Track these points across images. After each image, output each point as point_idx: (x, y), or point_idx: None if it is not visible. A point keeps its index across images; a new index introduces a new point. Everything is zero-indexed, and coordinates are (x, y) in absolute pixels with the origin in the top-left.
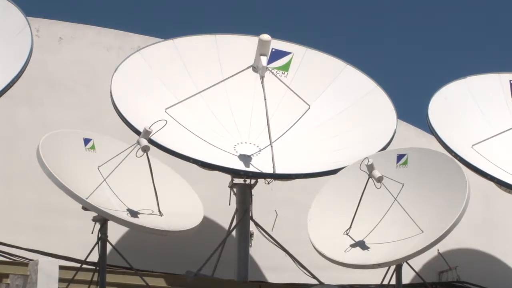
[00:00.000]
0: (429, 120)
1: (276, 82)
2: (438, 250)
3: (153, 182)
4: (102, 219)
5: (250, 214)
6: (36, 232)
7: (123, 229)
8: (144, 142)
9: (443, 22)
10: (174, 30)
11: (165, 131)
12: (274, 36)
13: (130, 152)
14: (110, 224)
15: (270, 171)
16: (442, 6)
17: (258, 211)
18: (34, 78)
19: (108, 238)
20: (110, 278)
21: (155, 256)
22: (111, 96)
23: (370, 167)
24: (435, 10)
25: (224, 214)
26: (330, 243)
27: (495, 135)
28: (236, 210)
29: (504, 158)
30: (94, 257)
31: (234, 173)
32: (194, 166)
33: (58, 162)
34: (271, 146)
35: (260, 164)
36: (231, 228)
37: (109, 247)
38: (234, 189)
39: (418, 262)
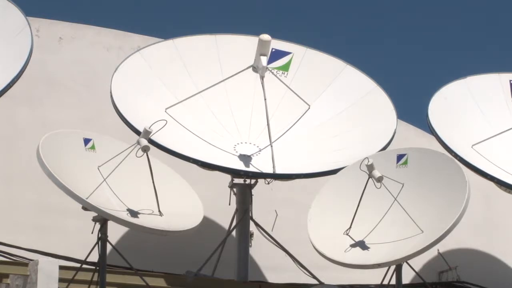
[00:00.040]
0: (429, 120)
1: (276, 82)
2: (438, 250)
3: (153, 182)
4: (102, 219)
5: (250, 214)
6: (36, 232)
7: (123, 229)
8: (144, 142)
9: (443, 22)
10: (174, 30)
11: (165, 131)
12: (274, 36)
13: (130, 152)
14: (110, 224)
15: (270, 171)
16: (442, 6)
17: (258, 211)
18: (34, 78)
19: (108, 238)
20: (110, 278)
21: (155, 256)
22: (111, 96)
23: (370, 167)
24: (435, 10)
25: (224, 214)
26: (330, 243)
27: (495, 135)
28: (236, 210)
29: (504, 158)
30: (94, 257)
31: (234, 173)
32: (194, 166)
33: (58, 162)
34: (271, 146)
35: (260, 164)
36: (231, 228)
37: (109, 247)
38: (234, 189)
39: (418, 262)
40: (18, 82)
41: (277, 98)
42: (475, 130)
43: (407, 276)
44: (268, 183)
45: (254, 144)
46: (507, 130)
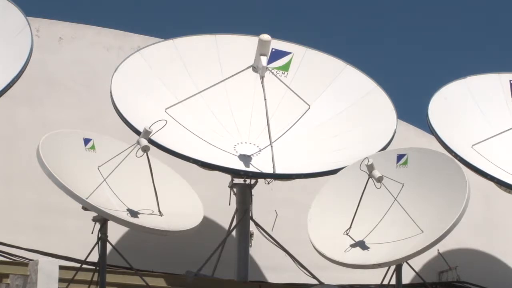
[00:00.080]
0: (429, 120)
1: (276, 82)
2: (438, 250)
3: (153, 182)
4: (102, 219)
5: (250, 214)
6: (36, 232)
7: (123, 229)
8: (144, 142)
9: (443, 22)
10: (174, 30)
11: (165, 131)
12: (274, 36)
13: (130, 152)
14: (110, 224)
15: (270, 171)
16: (442, 6)
17: (258, 211)
18: (34, 78)
19: (108, 238)
20: (110, 278)
21: (155, 256)
22: (111, 96)
23: (370, 167)
24: (435, 10)
25: (224, 214)
26: (330, 243)
27: (495, 135)
28: (236, 210)
29: (504, 158)
30: (94, 257)
31: (234, 173)
32: (194, 166)
33: (58, 162)
34: (271, 146)
35: (260, 164)
36: (231, 228)
37: (109, 247)
38: (234, 189)
39: (418, 262)
40: (18, 82)
41: (277, 98)
42: (475, 130)
43: (407, 276)
44: (268, 183)
45: (254, 144)
46: (507, 130)
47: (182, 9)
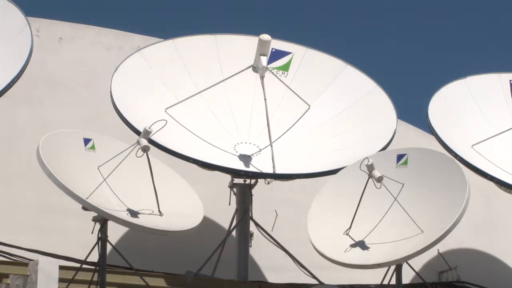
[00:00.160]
0: (429, 120)
1: (276, 82)
2: (438, 250)
3: (153, 182)
4: (102, 219)
5: (250, 214)
6: (36, 232)
7: (123, 229)
8: (144, 142)
9: (443, 22)
10: (174, 30)
11: (165, 131)
12: (274, 36)
13: (130, 152)
14: (110, 224)
15: (270, 171)
16: (442, 6)
17: (258, 211)
18: (34, 78)
19: (108, 238)
20: (110, 278)
21: (155, 256)
22: (111, 96)
23: (370, 167)
24: (435, 10)
25: (224, 214)
26: (330, 243)
27: (495, 135)
28: (236, 210)
29: (504, 158)
30: (94, 257)
31: (234, 173)
32: (194, 166)
33: (58, 162)
34: (271, 146)
35: (260, 164)
36: (231, 228)
37: (109, 247)
38: (234, 189)
39: (418, 262)
40: (18, 82)
41: (277, 98)
42: (475, 130)
43: (407, 276)
44: (268, 183)
45: (254, 144)
46: (507, 130)
47: (182, 9)
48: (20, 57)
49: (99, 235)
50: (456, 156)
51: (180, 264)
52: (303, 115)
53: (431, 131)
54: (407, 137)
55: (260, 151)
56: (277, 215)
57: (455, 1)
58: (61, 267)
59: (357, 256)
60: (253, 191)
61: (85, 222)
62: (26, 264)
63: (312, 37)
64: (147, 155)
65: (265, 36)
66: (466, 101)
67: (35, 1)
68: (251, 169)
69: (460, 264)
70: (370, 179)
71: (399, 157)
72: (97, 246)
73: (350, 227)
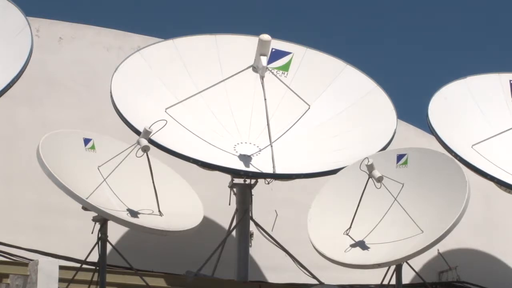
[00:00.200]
0: (429, 120)
1: (276, 82)
2: (438, 250)
3: (153, 182)
4: (102, 219)
5: (250, 214)
6: (36, 232)
7: (123, 229)
8: (144, 142)
9: (443, 22)
10: (174, 30)
11: (165, 131)
12: (274, 36)
13: (130, 152)
14: (110, 224)
15: (270, 171)
16: (442, 6)
17: (258, 211)
18: (34, 78)
19: (108, 238)
20: (110, 278)
21: (155, 256)
22: (111, 96)
23: (370, 167)
24: (435, 10)
25: (224, 214)
26: (330, 243)
27: (495, 135)
28: (236, 210)
29: (504, 158)
30: (94, 257)
31: (234, 173)
32: (194, 166)
33: (58, 162)
34: (271, 146)
35: (260, 164)
36: (231, 228)
37: (109, 247)
38: (234, 189)
39: (418, 262)
40: (18, 82)
41: (277, 98)
42: (475, 130)
43: (407, 276)
44: (268, 183)
45: (254, 144)
46: (507, 130)
47: (182, 9)
48: (20, 57)
49: (99, 235)
50: (456, 156)
51: (180, 264)
52: (303, 115)
53: (431, 131)
54: (407, 137)
55: (260, 151)
56: (277, 215)
57: (455, 1)
58: (61, 267)
59: (357, 256)
60: (253, 191)
61: (85, 222)
62: (26, 264)
63: (312, 37)
64: (147, 155)
65: (265, 36)
66: (466, 101)
67: (35, 1)
68: (251, 169)
69: (460, 264)
70: (370, 179)
71: (399, 157)
72: (97, 246)
73: (350, 227)
